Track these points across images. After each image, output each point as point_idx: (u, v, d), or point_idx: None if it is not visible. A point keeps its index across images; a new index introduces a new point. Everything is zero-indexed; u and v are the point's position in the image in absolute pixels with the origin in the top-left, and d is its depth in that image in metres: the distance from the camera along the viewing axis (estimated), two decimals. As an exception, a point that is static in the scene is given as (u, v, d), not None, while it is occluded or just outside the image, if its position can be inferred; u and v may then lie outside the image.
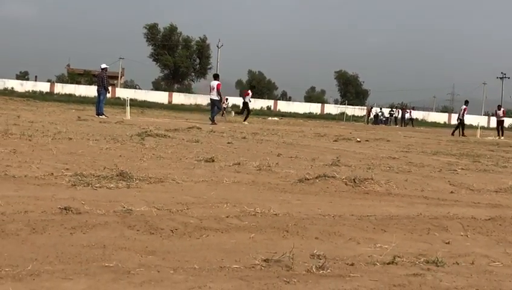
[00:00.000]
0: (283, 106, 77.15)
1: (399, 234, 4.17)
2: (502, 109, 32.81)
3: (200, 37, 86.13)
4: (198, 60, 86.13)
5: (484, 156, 13.08)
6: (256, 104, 69.46)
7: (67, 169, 6.23)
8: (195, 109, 61.48)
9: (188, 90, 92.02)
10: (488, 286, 2.99)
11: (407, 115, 57.19)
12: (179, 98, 73.18)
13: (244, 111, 29.53)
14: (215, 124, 22.72)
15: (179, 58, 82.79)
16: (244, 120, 28.21)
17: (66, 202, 4.38)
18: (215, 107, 24.41)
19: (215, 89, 24.31)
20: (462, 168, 9.47)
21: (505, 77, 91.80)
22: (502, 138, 30.01)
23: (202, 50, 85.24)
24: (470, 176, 8.46)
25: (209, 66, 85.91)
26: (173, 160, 7.95)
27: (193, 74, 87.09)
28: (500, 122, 32.56)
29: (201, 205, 4.73)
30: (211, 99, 24.67)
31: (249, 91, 31.50)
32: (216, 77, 25.51)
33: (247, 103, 29.54)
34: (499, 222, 4.81)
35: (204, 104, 71.16)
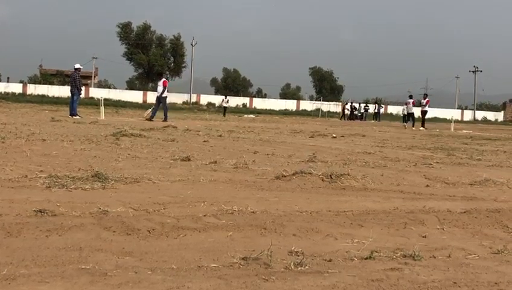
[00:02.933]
0: (259, 103, 77.21)
1: (376, 228, 4.20)
2: (427, 99, 32.78)
3: (174, 35, 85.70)
4: (172, 59, 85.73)
5: (458, 150, 13.22)
6: (232, 101, 69.45)
7: (41, 171, 6.16)
8: (171, 107, 61.05)
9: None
10: (464, 279, 3.02)
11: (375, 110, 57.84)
12: (154, 97, 72.62)
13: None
14: (152, 121, 22.15)
15: (153, 57, 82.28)
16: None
17: (41, 205, 4.33)
18: (160, 104, 23.95)
19: (162, 86, 24.10)
20: (437, 162, 9.55)
21: (478, 71, 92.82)
22: (422, 128, 30.15)
23: (176, 48, 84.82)
24: (445, 169, 8.54)
25: (183, 65, 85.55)
26: (149, 160, 7.91)
27: (168, 72, 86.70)
28: (423, 113, 32.44)
29: (178, 205, 4.71)
30: (156, 96, 24.32)
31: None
32: (160, 74, 25.32)
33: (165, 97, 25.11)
34: (474, 214, 4.86)
35: (179, 102, 70.99)
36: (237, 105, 71.31)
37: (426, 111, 32.59)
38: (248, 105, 74.12)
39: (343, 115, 58.33)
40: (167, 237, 3.68)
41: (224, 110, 46.45)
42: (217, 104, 70.57)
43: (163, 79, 24.63)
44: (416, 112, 35.75)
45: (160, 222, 3.97)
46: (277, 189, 5.88)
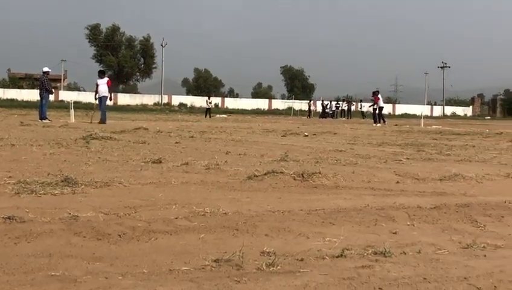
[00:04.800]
0: (231, 103, 77.21)
1: (347, 226, 4.23)
2: (377, 96, 33.33)
3: (143, 36, 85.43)
4: (142, 60, 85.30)
5: (428, 145, 13.36)
6: (203, 102, 69.27)
7: (10, 177, 6.07)
8: (142, 109, 60.87)
9: (133, 90, 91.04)
10: (434, 274, 3.05)
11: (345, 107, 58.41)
12: (124, 99, 72.31)
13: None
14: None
15: (122, 59, 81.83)
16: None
17: (10, 211, 4.26)
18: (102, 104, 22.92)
19: (105, 85, 23.24)
20: (407, 158, 9.64)
21: (446, 66, 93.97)
22: (379, 124, 30.84)
23: (146, 49, 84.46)
24: (415, 165, 8.63)
25: (154, 66, 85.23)
26: (120, 163, 7.85)
27: (138, 74, 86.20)
28: (380, 109, 33.08)
29: (149, 208, 4.68)
30: (98, 96, 23.12)
31: None
32: (103, 73, 24.67)
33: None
34: (444, 209, 4.91)
35: (150, 103, 70.64)
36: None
37: (382, 107, 33.17)
38: (220, 105, 74.04)
39: (309, 113, 58.44)
40: (138, 241, 3.65)
41: (207, 111, 45.93)
42: (188, 105, 70.39)
43: (107, 78, 23.84)
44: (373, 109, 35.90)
45: (131, 226, 3.94)
46: (249, 189, 5.88)
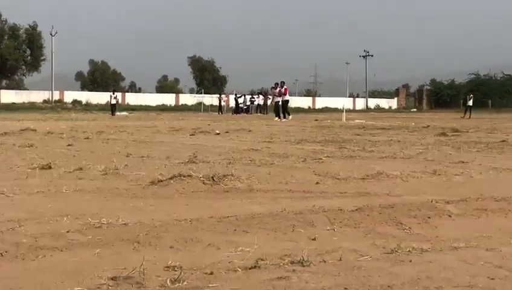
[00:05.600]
0: (132, 99, 76.31)
1: (262, 234, 4.25)
2: (285, 87, 33.22)
3: (29, 24, 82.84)
4: (29, 51, 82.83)
5: (350, 141, 13.67)
6: (101, 98, 68.20)
7: None
8: (30, 107, 59.27)
9: (19, 86, 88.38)
10: (356, 284, 3.11)
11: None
12: (9, 96, 70.09)
13: None
14: None
15: (5, 50, 79.09)
16: None
17: None
18: None
19: None
20: (328, 156, 9.83)
21: (369, 55, 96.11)
22: (284, 119, 30.87)
23: (33, 39, 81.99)
24: (336, 163, 8.81)
25: (42, 58, 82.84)
26: (2, 170, 7.65)
27: (24, 67, 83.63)
28: (286, 102, 32.83)
29: (36, 221, 4.56)
30: None
31: None
32: None
33: None
34: (367, 211, 5.03)
35: (39, 101, 68.81)
36: (107, 102, 70.01)
37: (287, 100, 32.87)
38: (121, 101, 72.94)
39: (220, 108, 58.49)
40: (23, 260, 3.54)
41: (112, 108, 45.01)
42: (83, 102, 69.11)
43: None
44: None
45: (15, 243, 3.83)
46: (152, 196, 5.84)
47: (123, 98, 75.60)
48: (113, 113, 43.07)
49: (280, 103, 32.64)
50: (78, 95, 75.30)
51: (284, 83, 33.71)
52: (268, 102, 58.51)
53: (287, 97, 33.07)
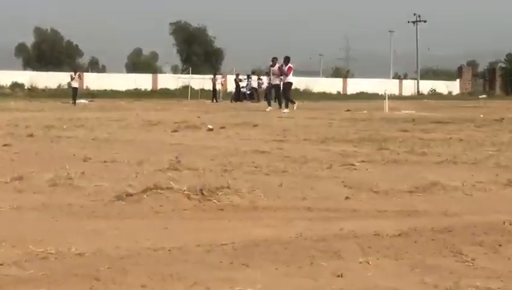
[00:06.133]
0: (93, 81, 76.13)
1: (268, 268, 4.25)
2: (290, 65, 32.18)
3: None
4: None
5: (394, 140, 13.60)
6: (50, 80, 68.30)
7: None
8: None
9: None
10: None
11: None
12: None
13: None
14: None
15: None
16: None
17: None
18: None
19: None
20: (363, 161, 9.81)
21: (420, 21, 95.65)
22: (286, 110, 30.25)
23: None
24: (374, 171, 8.80)
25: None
26: None
27: None
28: (287, 85, 31.94)
29: (-43, 250, 4.59)
30: None
31: None
32: None
33: None
34: (414, 237, 5.03)
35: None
36: (60, 85, 70.06)
37: (290, 83, 32.11)
38: (77, 84, 73.18)
39: (214, 94, 58.18)
40: None
41: (74, 92, 45.13)
42: (26, 85, 69.18)
43: None
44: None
45: None
46: (118, 216, 5.86)
47: (81, 80, 75.75)
48: (74, 102, 43.08)
49: (281, 85, 31.92)
50: (19, 76, 75.31)
51: (289, 59, 32.56)
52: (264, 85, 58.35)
53: (290, 78, 32.07)
